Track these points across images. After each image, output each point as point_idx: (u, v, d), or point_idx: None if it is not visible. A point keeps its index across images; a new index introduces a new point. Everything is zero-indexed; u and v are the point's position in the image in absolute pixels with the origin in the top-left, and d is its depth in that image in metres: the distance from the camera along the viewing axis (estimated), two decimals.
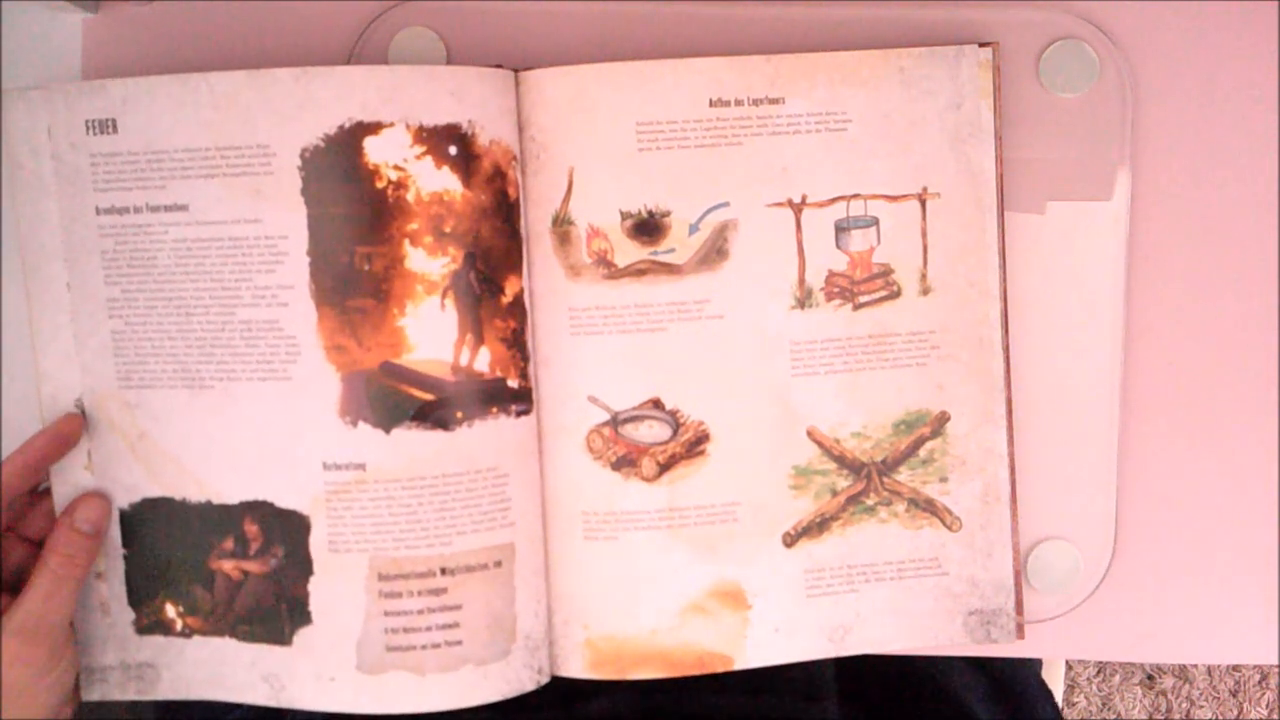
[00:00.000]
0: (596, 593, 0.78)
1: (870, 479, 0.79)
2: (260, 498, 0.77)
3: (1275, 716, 1.82)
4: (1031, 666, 1.01)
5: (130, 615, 0.79)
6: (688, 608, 0.78)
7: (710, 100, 0.76)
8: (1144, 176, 0.80)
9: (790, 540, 0.79)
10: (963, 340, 0.79)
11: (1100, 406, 0.81)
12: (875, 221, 0.78)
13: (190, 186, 0.75)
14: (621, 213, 0.76)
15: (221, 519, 0.78)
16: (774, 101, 0.77)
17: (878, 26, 0.79)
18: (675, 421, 0.78)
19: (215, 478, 0.77)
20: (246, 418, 0.76)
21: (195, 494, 0.78)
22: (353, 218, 0.74)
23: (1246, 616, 0.83)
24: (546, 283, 0.77)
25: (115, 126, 0.75)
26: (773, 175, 0.77)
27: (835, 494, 0.79)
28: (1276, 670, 1.81)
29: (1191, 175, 0.80)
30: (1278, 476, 0.82)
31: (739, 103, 0.76)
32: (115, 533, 0.79)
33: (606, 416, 0.78)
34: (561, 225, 0.76)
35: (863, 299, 0.78)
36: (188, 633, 0.79)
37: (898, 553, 0.80)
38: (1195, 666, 1.82)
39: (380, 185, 0.73)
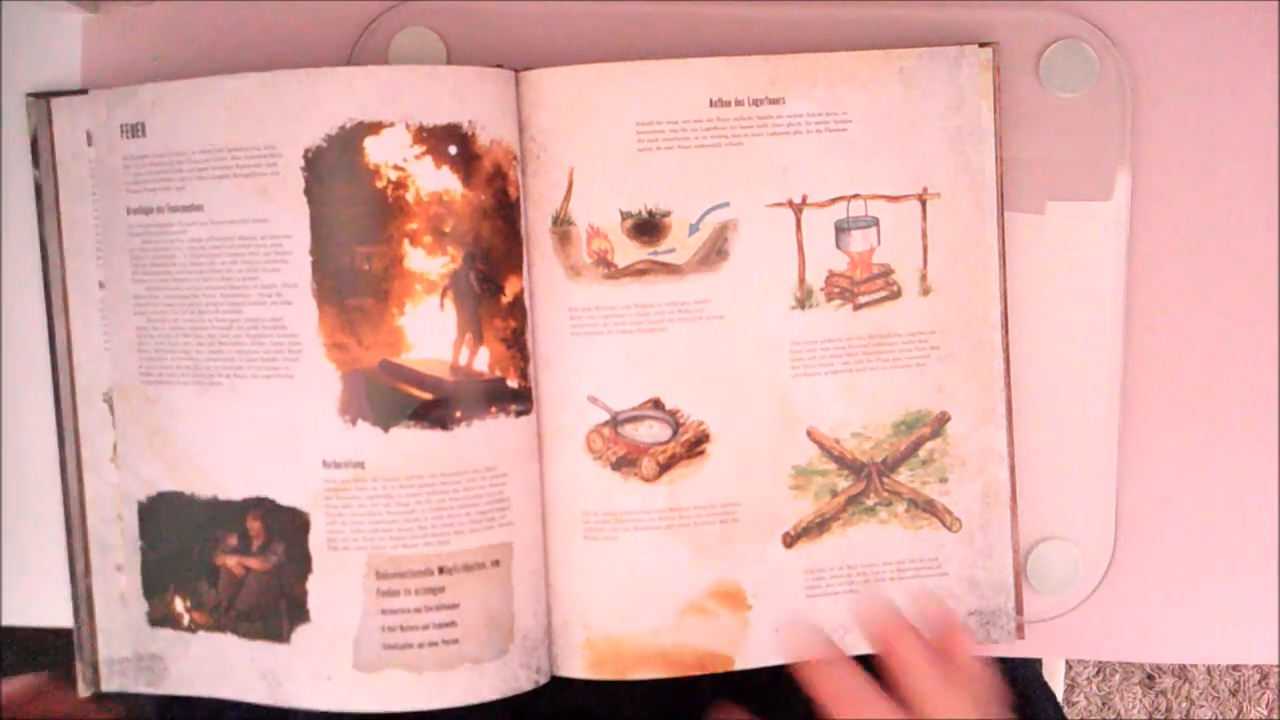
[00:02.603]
0: (596, 593, 0.78)
1: (870, 479, 0.79)
2: (262, 495, 0.77)
3: (1275, 716, 1.82)
4: (1032, 666, 1.01)
5: (144, 606, 0.80)
6: (687, 608, 0.78)
7: (710, 100, 0.76)
8: (1144, 176, 0.80)
9: (790, 540, 0.79)
10: (963, 341, 0.79)
11: (1100, 406, 0.81)
12: (875, 222, 0.78)
13: (205, 187, 0.76)
14: (622, 213, 0.76)
15: (226, 515, 0.78)
16: (774, 102, 0.77)
17: (877, 26, 0.79)
18: (675, 422, 0.78)
19: (221, 474, 0.78)
20: (251, 415, 0.77)
21: (203, 489, 0.78)
22: (353, 217, 0.74)
23: (1246, 616, 0.83)
24: (546, 283, 0.77)
25: (144, 130, 0.77)
26: (773, 175, 0.77)
27: (835, 494, 0.79)
28: (1276, 670, 1.81)
29: (1191, 175, 0.80)
30: (1278, 476, 0.82)
31: (739, 103, 0.76)
32: (133, 524, 0.80)
33: (606, 416, 0.78)
34: (561, 225, 0.76)
35: (863, 299, 0.78)
36: (193, 628, 0.79)
37: (897, 553, 0.80)
38: (1195, 666, 1.82)
39: (380, 185, 0.74)
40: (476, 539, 0.76)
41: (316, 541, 0.76)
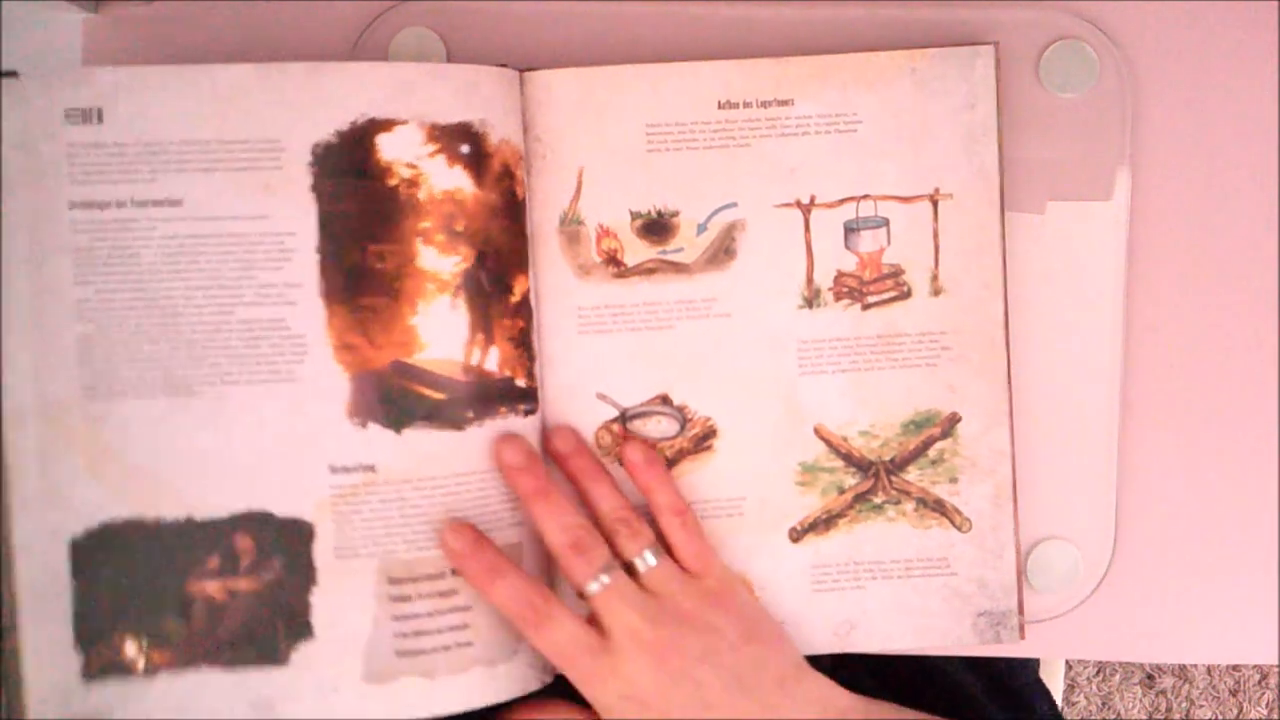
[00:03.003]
0: None
1: (878, 477, 0.79)
2: (255, 508, 0.73)
3: (1275, 716, 1.82)
4: (1029, 665, 1.01)
5: (77, 660, 0.72)
6: None
7: (719, 103, 0.77)
8: (1144, 176, 0.81)
9: (796, 535, 0.79)
10: (974, 341, 0.79)
11: (1100, 406, 0.81)
12: (885, 222, 0.78)
13: (186, 180, 0.72)
14: (631, 213, 0.77)
15: (206, 536, 0.73)
16: (782, 103, 0.77)
17: (877, 27, 0.79)
18: (683, 417, 0.78)
19: (200, 492, 0.73)
20: (242, 424, 0.73)
21: (172, 511, 0.72)
22: (365, 215, 0.73)
23: (1246, 616, 0.83)
24: (553, 282, 0.77)
25: (101, 116, 0.72)
26: (781, 176, 0.77)
27: (842, 491, 0.79)
28: (1276, 670, 1.81)
29: (1191, 175, 0.81)
30: (1278, 476, 0.82)
31: (747, 105, 0.77)
32: (62, 565, 0.71)
33: (615, 413, 0.78)
34: (570, 225, 0.77)
35: (872, 299, 0.78)
36: (151, 670, 0.72)
37: (905, 551, 0.80)
38: (1195, 666, 1.83)
39: (392, 183, 0.73)
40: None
41: (322, 551, 0.73)
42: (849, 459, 0.79)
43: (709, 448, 0.79)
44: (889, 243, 0.78)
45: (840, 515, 0.79)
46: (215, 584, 0.73)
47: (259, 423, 0.73)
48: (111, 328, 0.72)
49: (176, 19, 0.80)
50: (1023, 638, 0.81)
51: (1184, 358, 0.82)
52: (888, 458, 0.79)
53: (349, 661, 0.74)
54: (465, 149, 0.74)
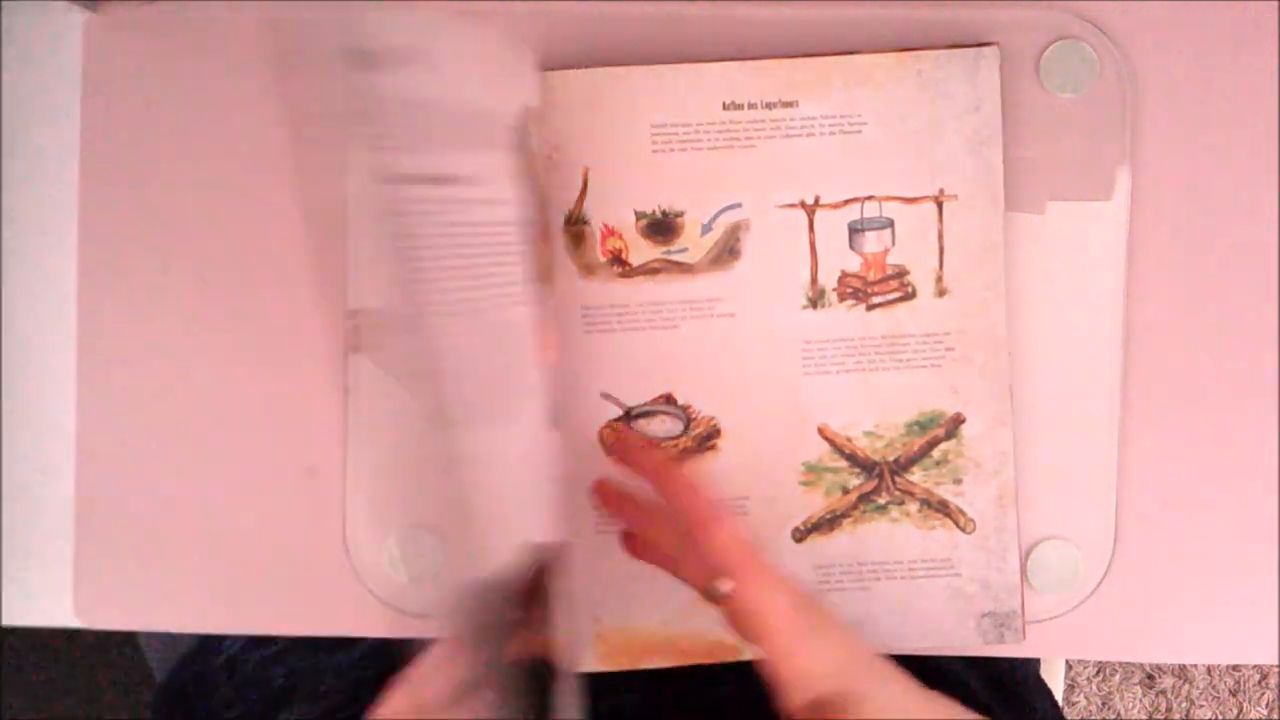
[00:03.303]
0: (607, 585, 0.79)
1: (882, 478, 0.79)
2: (528, 533, 0.62)
3: (1275, 716, 1.82)
4: (1030, 664, 1.01)
5: None
6: (697, 598, 0.78)
7: (724, 104, 0.77)
8: (1144, 176, 0.81)
9: (800, 535, 0.79)
10: (978, 342, 0.79)
11: (1100, 406, 0.81)
12: (890, 223, 0.78)
13: (467, 156, 0.60)
14: (636, 213, 0.77)
15: (511, 575, 0.58)
16: (787, 105, 0.77)
17: (876, 26, 0.79)
18: (687, 417, 0.78)
19: (503, 540, 0.59)
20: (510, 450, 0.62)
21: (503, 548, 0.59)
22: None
23: (1246, 616, 0.83)
24: (558, 282, 0.78)
25: (398, 62, 0.55)
26: (785, 177, 0.78)
27: (846, 491, 0.79)
28: (1276, 670, 1.82)
29: (1191, 175, 0.81)
30: (1278, 477, 0.82)
31: (752, 106, 0.77)
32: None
33: (619, 413, 0.78)
34: (575, 224, 0.77)
35: (876, 300, 0.78)
36: None
37: (909, 552, 0.80)
38: (1195, 666, 1.83)
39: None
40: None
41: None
42: (853, 459, 0.79)
43: (713, 447, 0.79)
44: (893, 244, 0.78)
45: (844, 515, 0.79)
46: (519, 638, 0.60)
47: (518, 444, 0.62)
48: (457, 339, 0.57)
49: (176, 19, 0.80)
50: (1023, 637, 0.81)
51: (1184, 358, 0.82)
52: (892, 458, 0.79)
53: None
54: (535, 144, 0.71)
